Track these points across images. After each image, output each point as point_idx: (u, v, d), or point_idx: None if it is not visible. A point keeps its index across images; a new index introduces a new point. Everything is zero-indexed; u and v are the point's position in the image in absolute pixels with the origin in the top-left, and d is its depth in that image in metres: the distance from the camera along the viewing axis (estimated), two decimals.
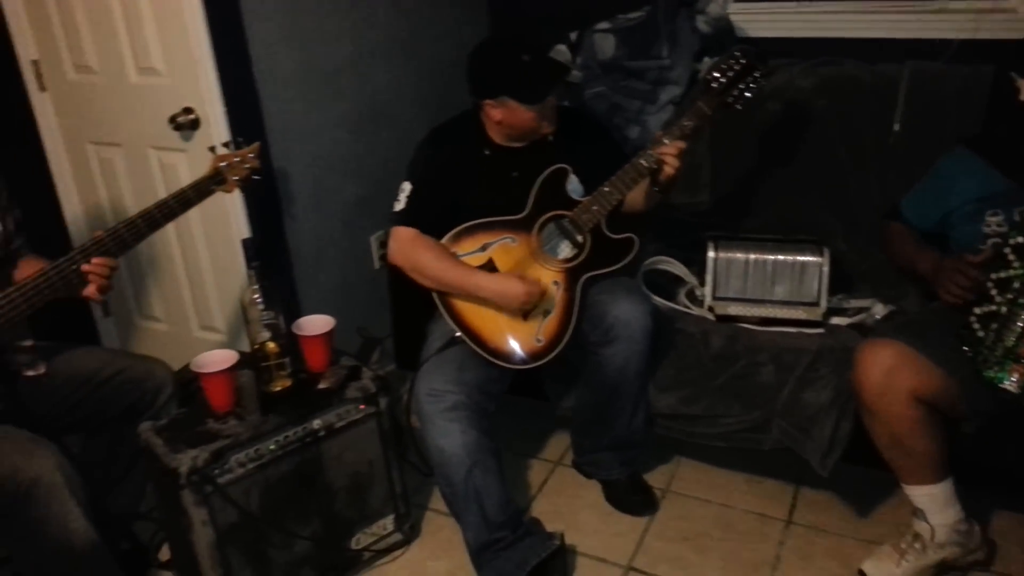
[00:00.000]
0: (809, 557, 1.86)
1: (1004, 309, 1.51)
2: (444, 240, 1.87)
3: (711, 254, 2.04)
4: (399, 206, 1.88)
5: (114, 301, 2.52)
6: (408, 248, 1.85)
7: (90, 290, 1.59)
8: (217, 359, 1.67)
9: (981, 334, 1.54)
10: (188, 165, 2.14)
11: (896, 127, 2.14)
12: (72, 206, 2.44)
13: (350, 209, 2.39)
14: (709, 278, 2.04)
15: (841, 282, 2.06)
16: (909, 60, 2.16)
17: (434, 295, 1.86)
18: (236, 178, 1.77)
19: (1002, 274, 1.52)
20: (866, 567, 1.76)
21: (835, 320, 1.99)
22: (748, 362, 1.90)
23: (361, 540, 1.87)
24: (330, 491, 1.79)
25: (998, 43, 2.14)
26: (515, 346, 1.82)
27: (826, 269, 1.96)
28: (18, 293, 1.51)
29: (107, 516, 1.52)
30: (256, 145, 1.81)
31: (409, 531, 1.95)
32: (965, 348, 1.56)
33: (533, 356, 1.82)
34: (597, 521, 2.00)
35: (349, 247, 2.42)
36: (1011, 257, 1.51)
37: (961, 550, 1.71)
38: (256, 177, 1.81)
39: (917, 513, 1.70)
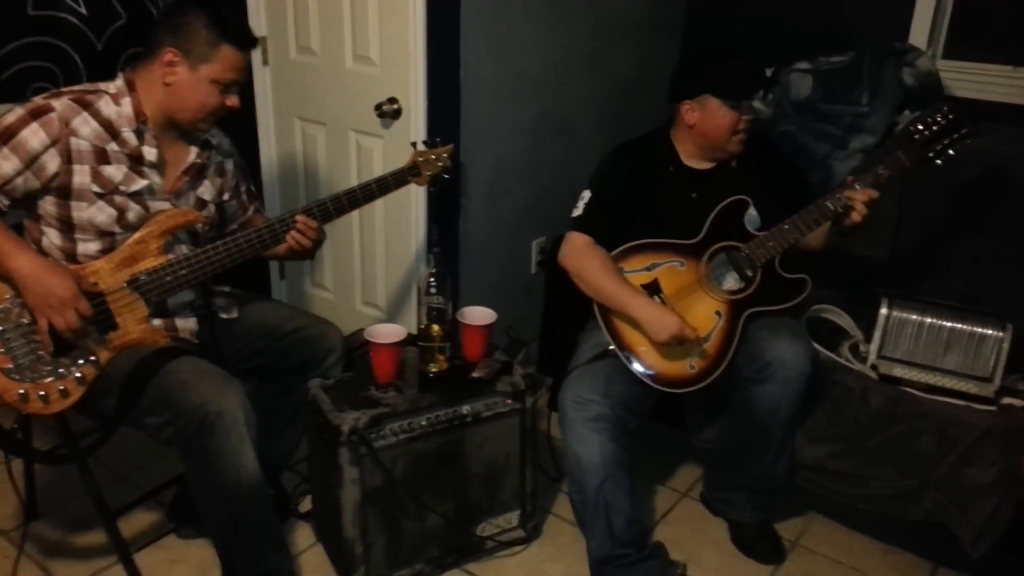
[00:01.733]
0: None
1: None
2: (613, 254, 1.90)
3: (884, 310, 1.97)
4: (577, 212, 1.93)
5: (289, 267, 2.73)
6: (579, 254, 1.90)
7: (293, 237, 1.72)
8: (389, 332, 1.79)
9: None
10: (383, 150, 2.30)
11: None
12: (271, 173, 2.66)
13: (518, 213, 2.47)
14: (878, 334, 1.97)
15: (1020, 362, 1.93)
16: None
17: (595, 305, 1.90)
18: (429, 173, 1.89)
19: None
20: None
21: (1008, 400, 1.87)
22: (908, 428, 1.81)
23: (486, 529, 1.94)
24: (466, 475, 1.86)
25: None
26: (668, 368, 1.83)
27: (1006, 345, 1.85)
28: (243, 240, 1.68)
29: (262, 460, 1.64)
30: (451, 147, 1.92)
31: (532, 530, 2.00)
32: None
33: (684, 381, 1.83)
34: (719, 559, 1.97)
35: (511, 249, 2.51)
36: None
37: None
38: (446, 176, 1.93)
39: None
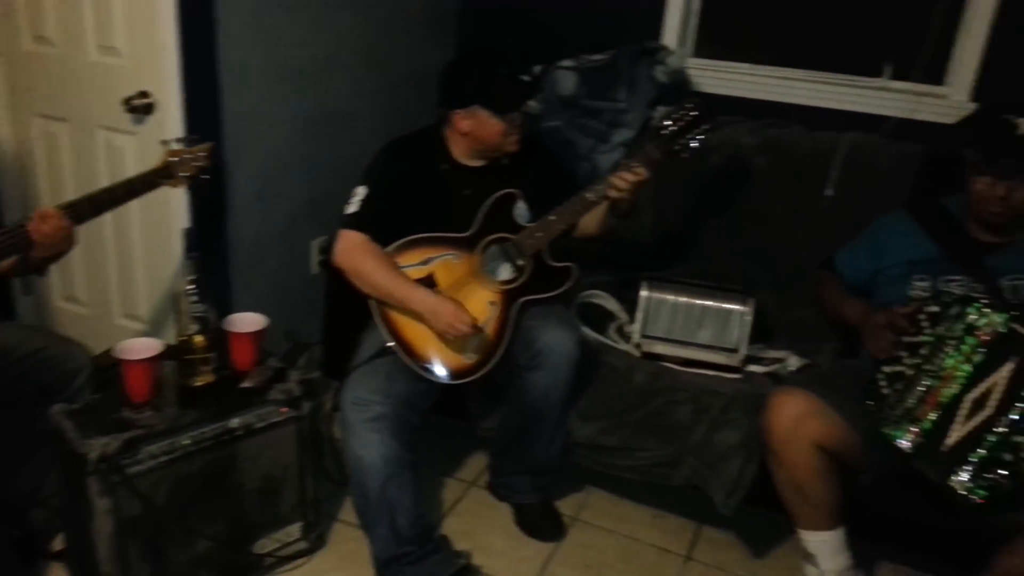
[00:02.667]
0: None
1: (910, 371, 1.60)
2: (389, 249, 1.89)
3: (644, 293, 2.11)
4: (351, 209, 1.90)
5: (36, 280, 2.46)
6: (354, 252, 1.87)
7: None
8: (140, 347, 1.65)
9: (886, 391, 1.63)
10: (136, 149, 2.12)
11: (829, 192, 2.25)
12: (7, 176, 2.38)
13: (295, 211, 2.39)
14: (639, 316, 2.11)
15: (761, 332, 2.14)
16: (849, 131, 2.29)
17: (371, 303, 1.88)
18: (184, 175, 1.75)
19: (915, 339, 1.62)
20: None
21: (752, 367, 2.07)
22: (667, 400, 1.96)
23: (266, 545, 1.85)
24: (240, 492, 1.77)
25: (931, 125, 2.28)
26: (447, 361, 1.85)
27: (749, 318, 2.04)
28: None
29: (2, 499, 1.47)
30: (209, 145, 1.79)
31: (315, 540, 1.94)
32: (870, 402, 1.64)
33: (462, 373, 1.85)
34: (504, 544, 2.03)
35: (289, 250, 2.42)
36: (924, 324, 1.61)
37: None
38: (205, 176, 1.80)
39: (808, 558, 1.78)
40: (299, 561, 1.91)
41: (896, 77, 2.37)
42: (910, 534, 1.84)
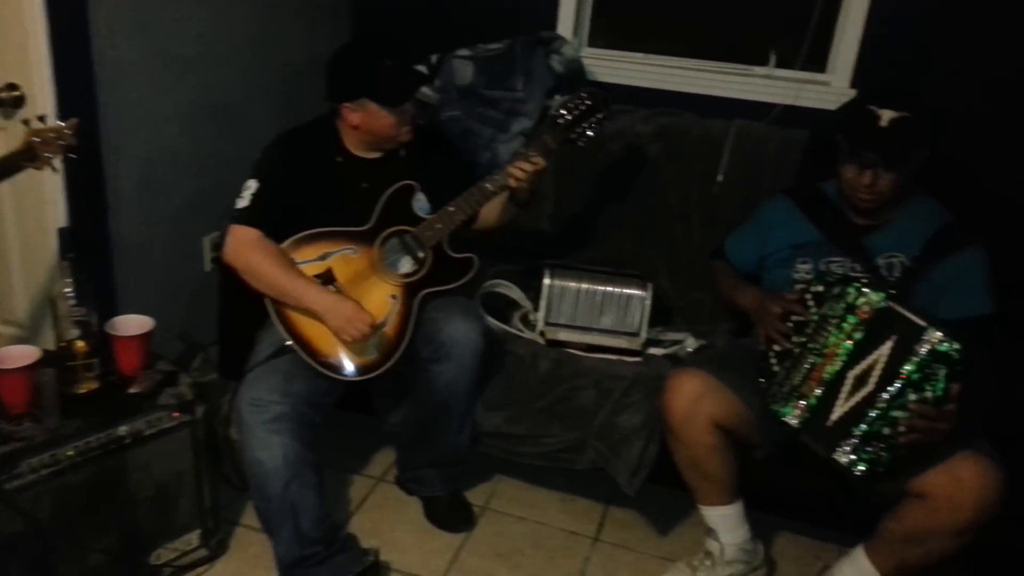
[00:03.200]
0: (612, 573, 1.96)
1: (797, 350, 1.67)
2: (284, 245, 1.84)
3: (547, 281, 2.12)
4: (242, 203, 1.83)
5: None
6: (247, 249, 1.81)
7: None
8: (15, 355, 1.55)
9: (776, 368, 1.70)
10: (5, 143, 1.97)
11: (720, 178, 2.32)
12: None
13: (184, 207, 2.29)
14: (543, 304, 2.13)
15: (660, 315, 2.20)
16: (737, 118, 2.36)
17: (267, 301, 1.82)
18: (49, 155, 1.63)
19: (801, 318, 1.69)
20: None
21: (652, 350, 2.13)
22: (571, 386, 1.98)
23: (163, 555, 1.78)
24: (132, 502, 1.69)
25: (814, 111, 2.38)
26: (348, 358, 1.82)
27: (648, 303, 2.09)
28: None
29: None
30: (74, 121, 1.66)
31: (216, 547, 1.88)
32: (761, 379, 1.71)
33: (365, 369, 1.82)
34: (414, 538, 2.02)
35: (179, 247, 2.32)
36: (810, 303, 1.68)
37: (746, 567, 1.86)
38: (72, 155, 1.67)
39: (710, 532, 1.84)
40: (200, 569, 1.84)
41: (781, 65, 2.46)
42: (804, 504, 1.93)
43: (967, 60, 2.22)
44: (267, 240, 1.82)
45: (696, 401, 1.70)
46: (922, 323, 1.49)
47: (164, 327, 1.78)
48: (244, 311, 1.90)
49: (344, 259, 1.87)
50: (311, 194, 1.87)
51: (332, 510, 1.84)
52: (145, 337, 1.73)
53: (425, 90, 2.45)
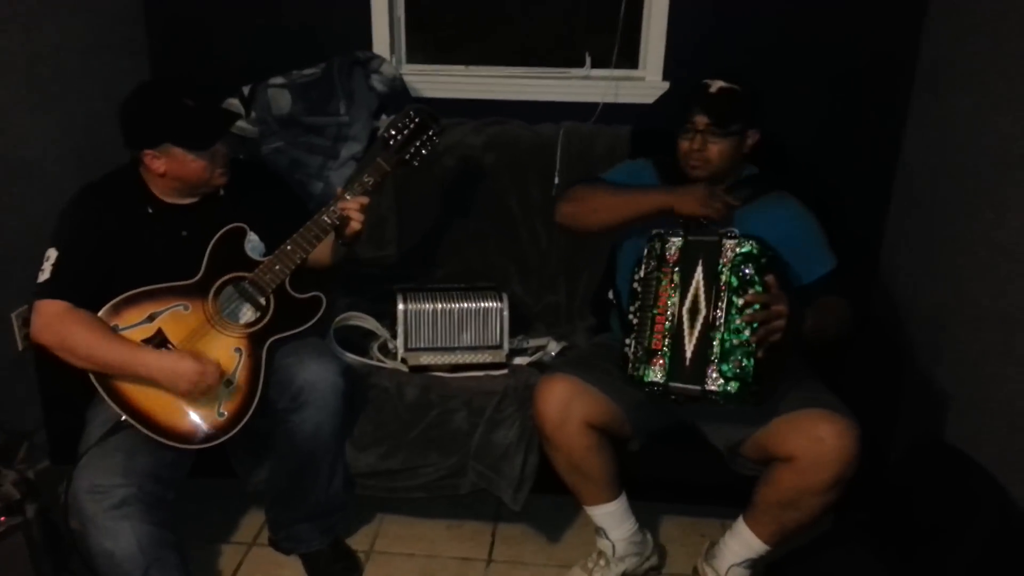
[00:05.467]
0: None
1: (637, 320, 1.71)
2: (101, 313, 1.67)
3: (401, 306, 2.06)
4: (44, 276, 1.65)
5: None
6: (56, 324, 1.62)
7: None
8: None
9: (628, 352, 1.72)
10: None
11: (557, 180, 2.35)
12: None
13: None
14: (400, 330, 2.06)
15: (520, 323, 2.20)
16: (564, 121, 2.40)
17: (91, 375, 1.64)
18: None
19: (637, 303, 1.72)
20: None
21: (517, 360, 2.12)
22: (442, 410, 1.93)
23: None
24: None
25: (634, 106, 2.46)
26: (194, 423, 1.67)
27: (506, 313, 2.08)
28: None
29: None
30: None
31: None
32: (623, 368, 1.73)
33: (216, 432, 1.68)
34: None
35: None
36: (639, 289, 1.73)
37: (638, 559, 1.89)
38: None
39: (599, 532, 1.85)
40: None
41: (597, 65, 2.53)
42: (682, 487, 1.98)
43: (762, 41, 2.38)
44: (78, 311, 1.64)
45: (566, 406, 1.70)
46: (713, 238, 1.62)
47: None
48: (69, 388, 1.71)
49: (175, 317, 1.72)
50: (124, 252, 1.71)
51: None
52: None
53: (241, 124, 2.32)
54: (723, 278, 1.59)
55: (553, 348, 2.14)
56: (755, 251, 1.58)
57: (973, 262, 1.98)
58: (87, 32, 2.31)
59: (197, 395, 1.65)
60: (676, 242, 1.68)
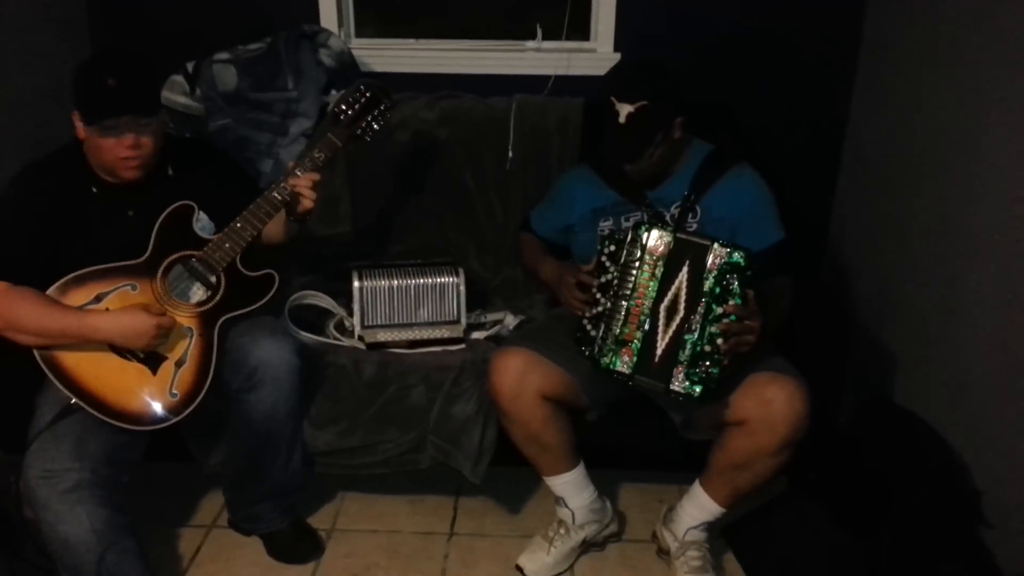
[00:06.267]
0: (472, 564, 1.94)
1: (608, 307, 1.71)
2: (49, 291, 1.63)
3: (356, 284, 2.04)
4: None
5: None
6: None
7: None
8: None
9: (593, 333, 1.73)
10: None
11: (511, 154, 2.35)
12: None
13: None
14: (356, 308, 2.05)
15: (477, 298, 2.20)
16: (516, 94, 2.39)
17: (40, 358, 1.61)
18: None
19: (603, 279, 1.73)
20: (521, 561, 1.89)
21: (475, 335, 2.12)
22: (400, 386, 1.93)
23: None
24: None
25: (586, 78, 2.46)
26: (147, 404, 1.65)
27: (462, 288, 2.07)
28: None
29: None
30: None
31: None
32: (583, 348, 1.74)
33: (169, 412, 1.66)
34: None
35: None
36: (608, 264, 1.73)
37: (598, 526, 1.92)
38: None
39: (559, 501, 1.87)
40: None
41: (549, 38, 2.52)
42: (639, 455, 2.01)
43: (711, 11, 2.39)
44: (20, 288, 1.60)
45: (521, 378, 1.71)
46: (706, 242, 1.61)
47: None
48: (16, 373, 1.67)
49: (122, 297, 1.68)
50: (68, 232, 1.67)
51: (162, 571, 1.67)
52: None
53: (186, 101, 2.27)
54: (707, 284, 1.59)
55: (511, 322, 2.14)
56: (742, 263, 1.58)
57: (916, 227, 2.03)
58: (25, 9, 2.23)
59: (154, 345, 1.63)
60: (665, 235, 1.64)
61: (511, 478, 2.05)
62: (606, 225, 1.89)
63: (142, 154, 1.65)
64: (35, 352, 1.61)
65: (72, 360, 1.62)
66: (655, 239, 1.65)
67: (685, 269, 1.62)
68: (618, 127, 1.71)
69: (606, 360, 1.66)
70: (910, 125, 2.09)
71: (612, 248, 1.72)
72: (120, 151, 1.63)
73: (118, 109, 1.59)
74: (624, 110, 1.70)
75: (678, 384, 1.60)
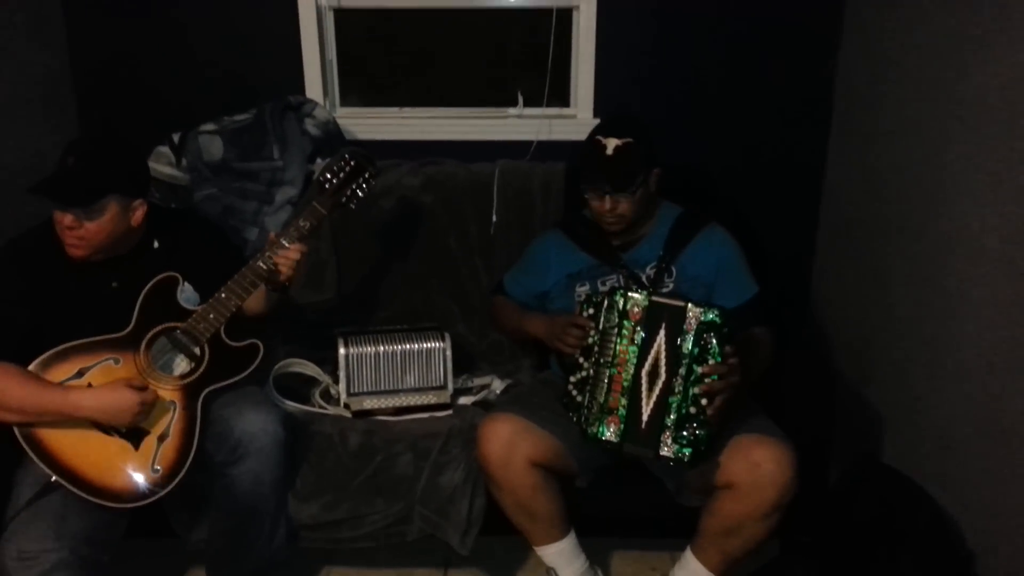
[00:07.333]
0: None
1: (591, 372, 1.72)
2: (31, 367, 1.62)
3: (342, 351, 2.03)
4: None
5: None
6: None
7: None
8: None
9: (579, 399, 1.73)
10: None
11: (495, 218, 2.37)
12: None
13: None
14: (342, 375, 2.03)
15: (464, 363, 2.19)
16: (499, 159, 2.43)
17: (18, 434, 1.58)
18: None
19: (585, 342, 1.74)
20: None
21: (462, 400, 2.10)
22: (386, 455, 1.91)
23: None
24: None
25: (567, 143, 2.51)
26: (129, 480, 1.62)
27: (449, 353, 2.07)
28: None
29: None
30: None
31: None
32: (570, 414, 1.74)
33: (151, 489, 1.63)
34: None
35: None
36: (590, 326, 1.74)
37: None
38: None
39: (550, 572, 1.84)
40: None
41: (530, 104, 2.58)
42: (630, 521, 1.98)
43: (686, 75, 2.46)
44: (1, 364, 1.58)
45: (510, 445, 1.70)
46: (680, 304, 1.63)
47: None
48: None
49: (105, 371, 1.67)
50: (50, 306, 1.67)
51: None
52: None
53: (172, 171, 2.29)
54: (686, 346, 1.61)
55: (498, 386, 2.13)
56: (718, 320, 1.60)
57: (897, 285, 2.06)
58: (11, 86, 2.25)
59: (138, 421, 1.62)
60: (640, 299, 1.66)
61: (501, 548, 2.01)
62: (583, 290, 1.91)
63: (83, 236, 1.64)
64: (14, 428, 1.59)
65: (53, 436, 1.60)
66: (632, 304, 1.67)
67: (662, 332, 1.63)
68: (605, 159, 1.78)
69: (593, 430, 1.66)
70: (886, 181, 2.13)
71: (591, 311, 1.74)
72: (60, 229, 1.64)
73: (53, 192, 1.61)
74: (611, 143, 1.78)
75: (667, 449, 1.60)
